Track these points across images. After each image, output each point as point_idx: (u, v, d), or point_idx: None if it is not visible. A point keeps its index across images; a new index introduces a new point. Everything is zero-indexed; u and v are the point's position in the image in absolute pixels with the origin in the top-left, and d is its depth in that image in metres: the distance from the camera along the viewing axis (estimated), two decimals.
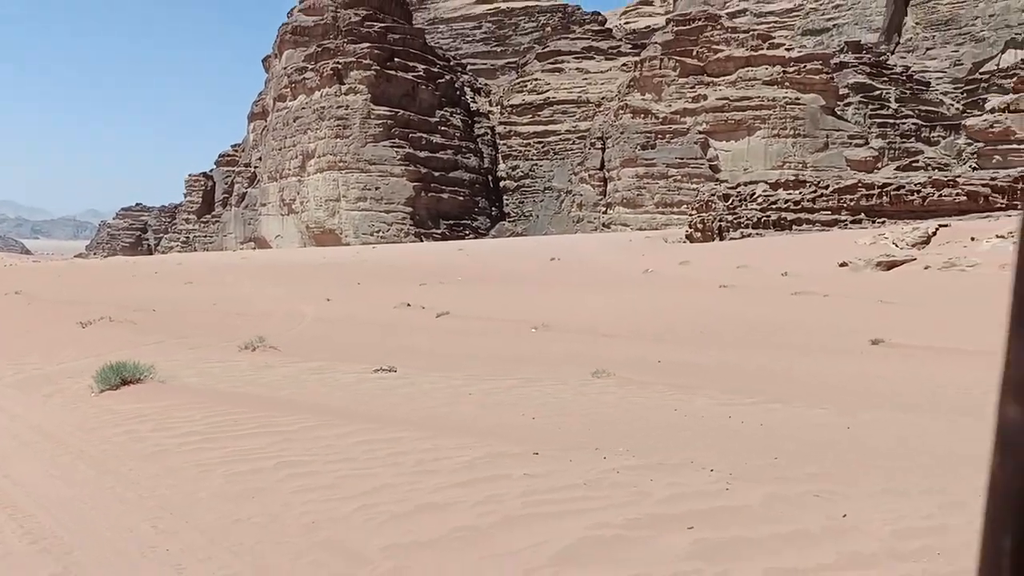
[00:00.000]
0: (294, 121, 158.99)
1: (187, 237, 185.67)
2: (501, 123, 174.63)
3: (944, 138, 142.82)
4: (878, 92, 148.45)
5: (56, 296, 44.08)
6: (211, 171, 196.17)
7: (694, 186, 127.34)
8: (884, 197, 75.47)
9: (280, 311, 37.19)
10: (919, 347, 24.34)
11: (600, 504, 7.55)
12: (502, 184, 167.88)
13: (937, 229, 62.12)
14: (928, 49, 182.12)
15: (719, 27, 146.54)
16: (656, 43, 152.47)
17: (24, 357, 20.57)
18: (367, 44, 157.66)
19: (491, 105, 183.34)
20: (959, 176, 76.84)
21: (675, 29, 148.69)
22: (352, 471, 8.82)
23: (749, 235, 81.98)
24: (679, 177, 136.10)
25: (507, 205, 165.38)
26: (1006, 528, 0.84)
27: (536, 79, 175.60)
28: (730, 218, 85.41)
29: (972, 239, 59.29)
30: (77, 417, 12.41)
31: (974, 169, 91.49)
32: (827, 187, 79.10)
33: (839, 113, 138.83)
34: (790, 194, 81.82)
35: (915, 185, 75.54)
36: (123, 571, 7.00)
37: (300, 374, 16.41)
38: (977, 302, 37.09)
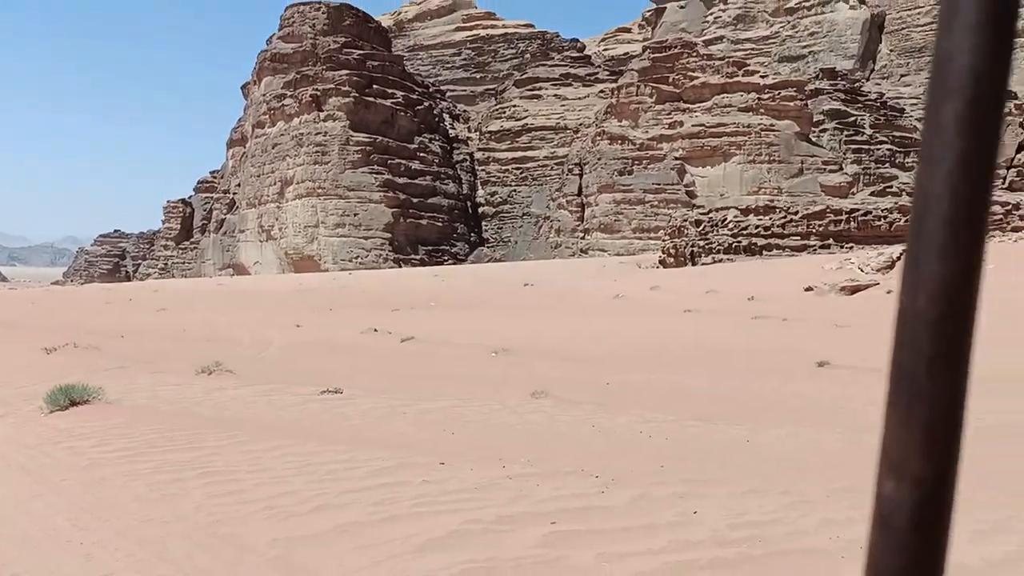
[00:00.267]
0: (273, 148, 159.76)
1: (165, 264, 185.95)
2: (480, 149, 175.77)
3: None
4: (853, 118, 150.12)
5: (27, 323, 44.55)
6: (190, 197, 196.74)
7: (671, 212, 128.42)
8: (852, 223, 76.69)
9: (249, 337, 37.76)
10: (863, 369, 25.09)
11: (482, 504, 8.41)
12: (481, 210, 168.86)
13: (902, 254, 62.89)
14: (903, 76, 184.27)
15: (695, 54, 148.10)
16: (633, 70, 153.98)
17: None
18: (346, 71, 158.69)
19: (470, 131, 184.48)
20: None
21: (651, 56, 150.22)
22: (267, 479, 9.61)
23: (720, 260, 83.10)
24: (656, 203, 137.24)
25: (486, 231, 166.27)
26: None
27: (514, 105, 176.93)
28: (702, 243, 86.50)
29: None
30: (22, 435, 13.07)
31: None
32: (796, 213, 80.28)
33: (814, 139, 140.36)
34: (760, 220, 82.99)
35: (882, 211, 76.79)
36: (39, 557, 7.85)
37: (249, 396, 17.07)
38: None
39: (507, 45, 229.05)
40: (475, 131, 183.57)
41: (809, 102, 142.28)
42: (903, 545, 0.87)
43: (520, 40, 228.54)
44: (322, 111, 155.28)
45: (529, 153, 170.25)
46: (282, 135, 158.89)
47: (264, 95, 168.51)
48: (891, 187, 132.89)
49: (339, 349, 32.52)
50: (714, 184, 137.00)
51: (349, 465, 10.06)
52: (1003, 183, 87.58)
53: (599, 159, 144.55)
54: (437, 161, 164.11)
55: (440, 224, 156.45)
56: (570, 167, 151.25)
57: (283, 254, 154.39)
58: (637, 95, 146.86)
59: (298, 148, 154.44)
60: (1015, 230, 71.74)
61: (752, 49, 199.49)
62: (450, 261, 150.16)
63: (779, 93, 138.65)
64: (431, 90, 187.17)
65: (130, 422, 13.24)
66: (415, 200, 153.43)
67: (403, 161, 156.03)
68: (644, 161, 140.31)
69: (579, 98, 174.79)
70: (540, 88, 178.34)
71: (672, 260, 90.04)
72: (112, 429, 12.77)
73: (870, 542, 0.88)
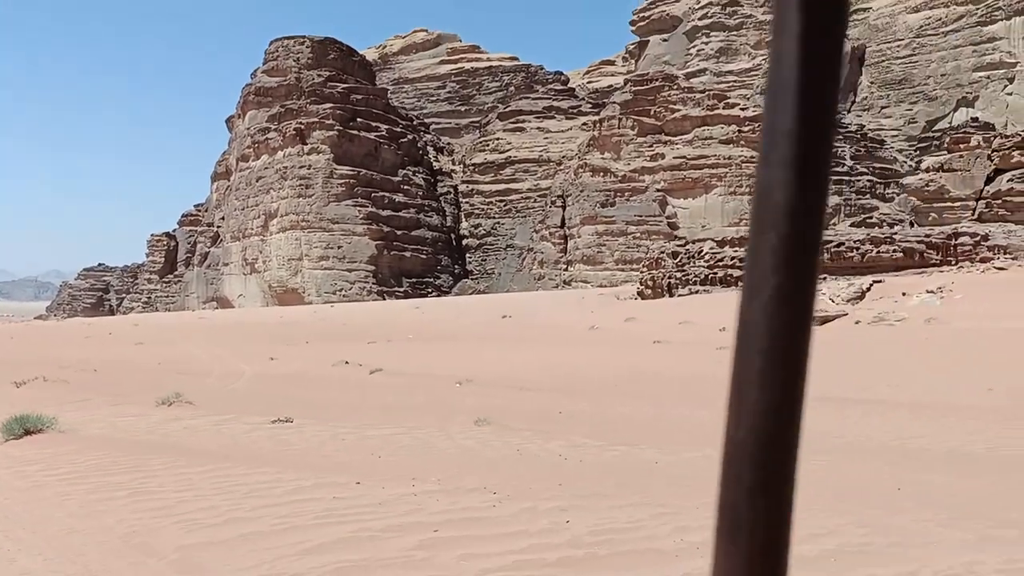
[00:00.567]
0: (257, 181, 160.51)
1: (149, 297, 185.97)
2: (464, 182, 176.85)
3: (898, 194, 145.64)
4: (834, 150, 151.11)
5: (2, 357, 45.10)
6: (174, 231, 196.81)
7: (653, 243, 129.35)
8: (825, 254, 77.57)
9: (221, 370, 38.45)
10: (819, 398, 25.85)
11: (378, 517, 9.32)
12: (464, 242, 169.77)
13: (871, 285, 64.16)
14: (883, 108, 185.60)
15: (676, 87, 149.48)
16: (615, 103, 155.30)
17: None
18: (330, 104, 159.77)
19: (454, 164, 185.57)
20: (895, 233, 79.21)
21: (633, 89, 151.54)
22: (191, 497, 10.48)
23: (697, 291, 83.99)
24: (638, 234, 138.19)
25: (470, 263, 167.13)
26: None
27: (498, 138, 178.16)
28: (679, 275, 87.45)
29: (903, 294, 61.31)
30: None
31: (911, 226, 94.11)
32: None
33: None
34: (736, 251, 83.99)
35: (854, 242, 77.80)
36: None
37: (201, 425, 17.78)
38: (886, 354, 38.88)
39: (492, 78, 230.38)
40: (459, 163, 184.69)
41: None
42: None
43: (505, 73, 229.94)
44: (306, 144, 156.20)
45: (512, 185, 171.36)
46: (266, 168, 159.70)
47: (248, 128, 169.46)
48: (871, 218, 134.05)
49: (307, 381, 33.19)
50: (696, 216, 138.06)
51: (271, 485, 10.87)
52: (973, 214, 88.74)
53: (582, 191, 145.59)
54: (421, 194, 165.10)
55: (424, 256, 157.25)
56: (553, 199, 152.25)
57: (267, 287, 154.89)
58: (619, 128, 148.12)
59: (282, 181, 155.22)
60: (983, 260, 72.77)
61: (735, 81, 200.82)
62: (434, 293, 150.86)
63: (759, 125, 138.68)
64: (415, 123, 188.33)
65: (79, 449, 13.97)
66: (399, 232, 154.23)
67: (387, 194, 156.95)
68: (626, 193, 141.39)
69: (562, 131, 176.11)
70: (523, 121, 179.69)
71: (650, 292, 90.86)
72: (61, 456, 13.50)
73: None
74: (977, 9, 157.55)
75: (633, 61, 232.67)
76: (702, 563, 8.01)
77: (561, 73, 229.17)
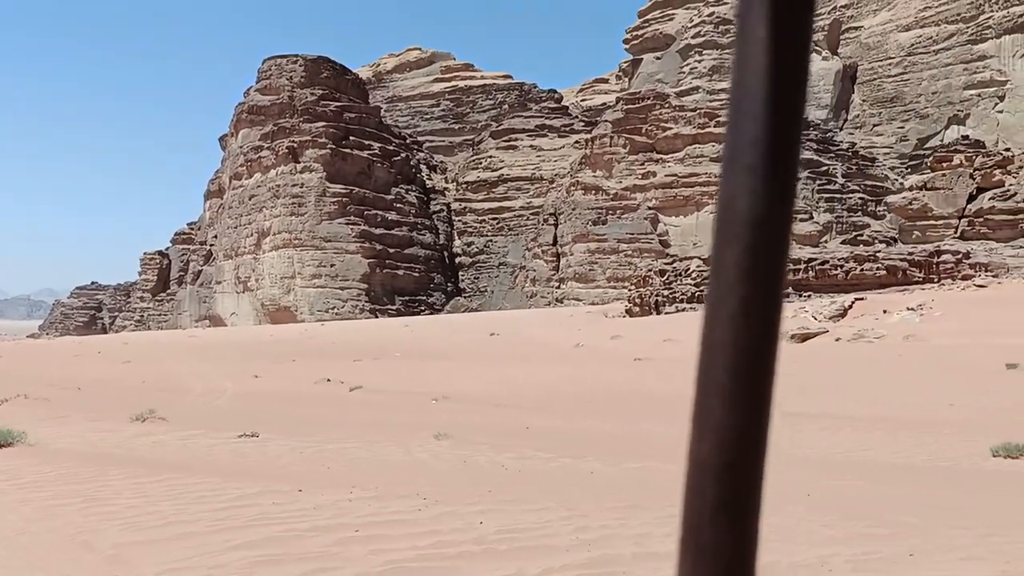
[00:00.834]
0: (250, 199, 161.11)
1: (142, 316, 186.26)
2: (456, 200, 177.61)
3: (889, 212, 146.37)
4: (825, 168, 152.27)
5: None
6: (167, 249, 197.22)
7: (644, 261, 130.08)
8: (810, 272, 78.52)
9: (203, 387, 39.02)
10: (779, 413, 26.42)
11: (308, 519, 10.16)
12: (457, 260, 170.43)
13: (853, 302, 64.95)
14: (875, 125, 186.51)
15: (667, 105, 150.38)
16: (607, 121, 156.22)
17: None
18: (322, 123, 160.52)
19: (447, 182, 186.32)
20: (879, 251, 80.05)
21: (625, 107, 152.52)
22: (140, 503, 11.22)
23: (684, 309, 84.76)
24: (630, 252, 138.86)
25: (462, 281, 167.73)
26: None
27: (490, 156, 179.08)
28: (666, 293, 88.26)
29: (884, 311, 62.07)
30: None
31: (891, 244, 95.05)
32: None
33: None
34: None
35: (839, 260, 78.68)
36: None
37: (169, 440, 18.38)
38: (859, 371, 39.53)
39: (485, 96, 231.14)
40: (452, 182, 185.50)
41: None
42: None
43: (498, 91, 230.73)
44: (299, 163, 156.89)
45: (505, 203, 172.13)
46: (259, 187, 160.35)
47: (241, 147, 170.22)
48: (862, 235, 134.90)
49: (287, 398, 33.76)
50: (687, 233, 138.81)
51: (218, 492, 11.58)
52: (955, 232, 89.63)
53: (574, 209, 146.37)
54: (414, 212, 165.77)
55: (417, 274, 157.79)
56: (545, 217, 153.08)
57: (259, 305, 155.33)
58: (611, 146, 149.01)
59: (275, 199, 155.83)
60: (965, 278, 73.62)
61: (728, 99, 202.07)
62: (427, 311, 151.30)
63: None
64: (408, 141, 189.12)
65: (45, 461, 14.59)
66: (392, 251, 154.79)
67: (380, 212, 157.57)
68: (618, 211, 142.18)
69: (554, 149, 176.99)
70: (516, 139, 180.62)
71: (638, 309, 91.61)
72: (26, 467, 14.11)
73: None
74: (968, 28, 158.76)
75: (626, 79, 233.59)
76: (587, 555, 8.76)
77: (555, 91, 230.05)
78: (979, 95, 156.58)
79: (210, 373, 47.66)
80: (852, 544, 9.33)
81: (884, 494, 12.94)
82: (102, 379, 43.42)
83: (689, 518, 0.84)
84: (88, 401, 30.38)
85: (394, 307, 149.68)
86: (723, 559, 0.83)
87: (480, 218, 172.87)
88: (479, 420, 24.94)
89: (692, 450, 0.84)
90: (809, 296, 75.96)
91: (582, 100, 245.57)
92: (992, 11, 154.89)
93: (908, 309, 60.51)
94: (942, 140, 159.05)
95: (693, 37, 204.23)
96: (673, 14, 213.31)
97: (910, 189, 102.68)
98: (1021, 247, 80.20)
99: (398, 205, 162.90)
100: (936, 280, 74.73)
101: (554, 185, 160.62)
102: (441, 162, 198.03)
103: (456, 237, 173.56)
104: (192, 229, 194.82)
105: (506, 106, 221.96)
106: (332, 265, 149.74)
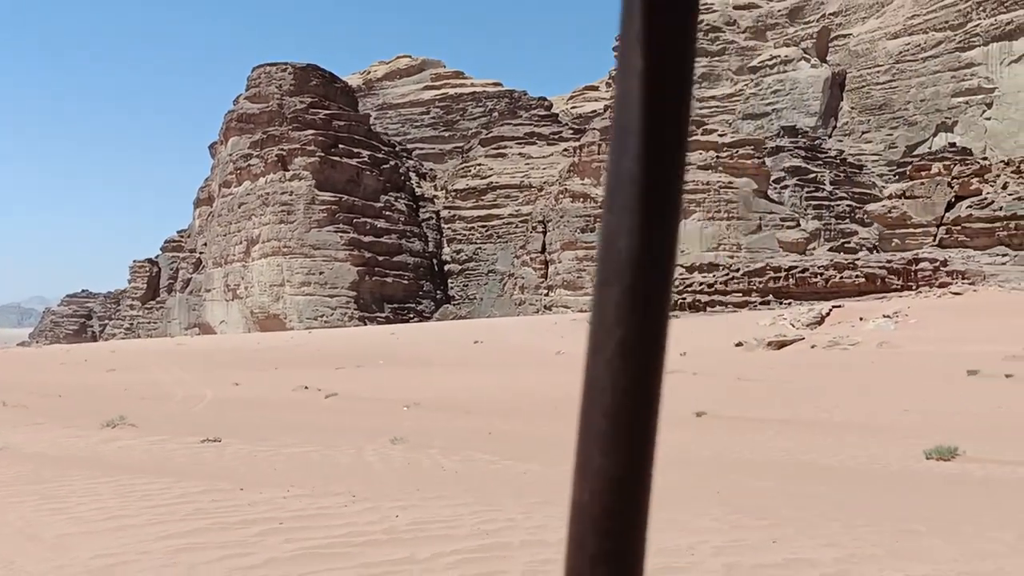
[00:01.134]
0: (239, 207, 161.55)
1: (131, 323, 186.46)
2: (446, 207, 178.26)
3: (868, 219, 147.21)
4: (813, 175, 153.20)
5: None
6: (156, 257, 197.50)
7: None
8: (791, 280, 79.40)
9: (183, 394, 39.79)
10: (738, 418, 27.28)
11: (239, 513, 11.12)
12: (447, 267, 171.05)
13: (831, 310, 65.83)
14: (864, 133, 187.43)
15: None
16: (595, 128, 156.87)
17: None
18: (312, 131, 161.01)
19: (436, 190, 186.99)
20: (858, 259, 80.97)
21: (612, 115, 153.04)
22: (90, 500, 12.11)
23: None
24: None
25: (451, 288, 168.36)
26: None
27: (480, 164, 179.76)
28: None
29: (860, 319, 62.92)
30: None
31: (870, 252, 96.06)
32: (738, 271, 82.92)
33: (775, 196, 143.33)
34: (704, 277, 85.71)
35: (819, 268, 79.58)
36: None
37: (136, 445, 19.13)
38: (826, 378, 40.33)
39: (475, 103, 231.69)
40: (441, 189, 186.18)
41: (770, 159, 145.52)
42: None
43: (488, 99, 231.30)
44: (288, 171, 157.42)
45: (494, 211, 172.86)
46: (248, 194, 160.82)
47: (231, 155, 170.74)
48: (849, 243, 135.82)
49: (263, 405, 34.51)
50: None
51: (164, 491, 12.46)
52: (933, 240, 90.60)
53: (562, 217, 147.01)
54: (403, 219, 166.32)
55: (406, 282, 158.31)
56: (534, 224, 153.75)
57: (249, 313, 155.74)
58: (599, 153, 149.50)
59: (264, 207, 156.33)
60: (942, 286, 74.54)
61: (717, 106, 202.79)
62: (416, 319, 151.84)
63: (737, 151, 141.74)
64: (397, 149, 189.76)
65: (10, 464, 15.38)
66: (381, 258, 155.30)
67: (369, 220, 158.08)
68: None
69: (543, 156, 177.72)
70: (505, 147, 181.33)
71: None
72: None
73: None
74: (955, 35, 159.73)
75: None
76: (480, 543, 9.68)
77: (545, 99, 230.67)
78: (967, 102, 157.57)
79: (193, 381, 48.39)
80: (725, 533, 10.19)
81: (789, 492, 13.75)
82: (84, 386, 44.15)
83: (571, 564, 0.83)
84: (66, 408, 31.09)
85: (383, 315, 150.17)
86: None
87: (469, 226, 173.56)
88: (443, 426, 25.71)
89: (575, 495, 0.83)
90: (789, 304, 76.84)
91: (572, 107, 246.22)
92: (980, 19, 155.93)
93: (884, 316, 61.37)
94: (930, 147, 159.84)
95: None
96: None
97: (889, 197, 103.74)
98: (997, 255, 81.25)
99: (387, 213, 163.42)
100: (914, 288, 75.64)
101: (543, 193, 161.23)
102: (431, 170, 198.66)
103: (445, 244, 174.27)
104: (182, 237, 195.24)
105: (496, 113, 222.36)
106: (321, 273, 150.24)
